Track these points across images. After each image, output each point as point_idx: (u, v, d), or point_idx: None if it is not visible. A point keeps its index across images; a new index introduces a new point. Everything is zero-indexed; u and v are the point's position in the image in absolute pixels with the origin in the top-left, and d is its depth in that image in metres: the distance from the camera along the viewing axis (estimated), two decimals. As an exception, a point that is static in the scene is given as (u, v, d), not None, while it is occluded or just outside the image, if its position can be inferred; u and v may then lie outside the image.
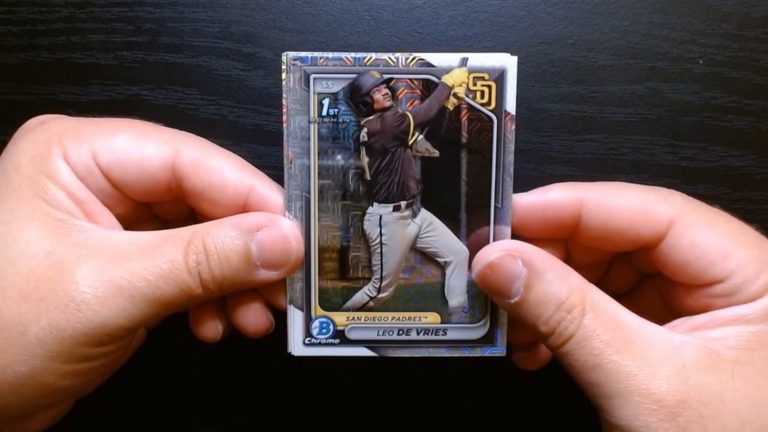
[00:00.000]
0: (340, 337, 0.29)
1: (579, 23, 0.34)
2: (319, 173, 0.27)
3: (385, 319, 0.29)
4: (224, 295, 0.29)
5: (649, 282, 0.31)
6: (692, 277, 0.26)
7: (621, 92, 0.34)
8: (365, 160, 0.27)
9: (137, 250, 0.25)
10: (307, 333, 0.28)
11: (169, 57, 0.34)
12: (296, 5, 0.34)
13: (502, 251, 0.26)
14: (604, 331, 0.24)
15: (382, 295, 0.28)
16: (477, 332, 0.29)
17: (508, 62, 0.27)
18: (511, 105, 0.27)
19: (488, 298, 0.28)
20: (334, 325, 0.29)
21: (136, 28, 0.34)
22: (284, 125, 0.27)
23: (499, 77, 0.27)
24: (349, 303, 0.28)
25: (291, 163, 0.27)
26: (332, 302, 0.28)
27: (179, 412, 0.36)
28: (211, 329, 0.30)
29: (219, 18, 0.34)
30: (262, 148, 0.34)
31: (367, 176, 0.28)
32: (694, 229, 0.26)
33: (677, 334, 0.25)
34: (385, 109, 0.27)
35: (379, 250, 0.28)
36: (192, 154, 0.27)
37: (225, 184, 0.27)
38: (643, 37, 0.34)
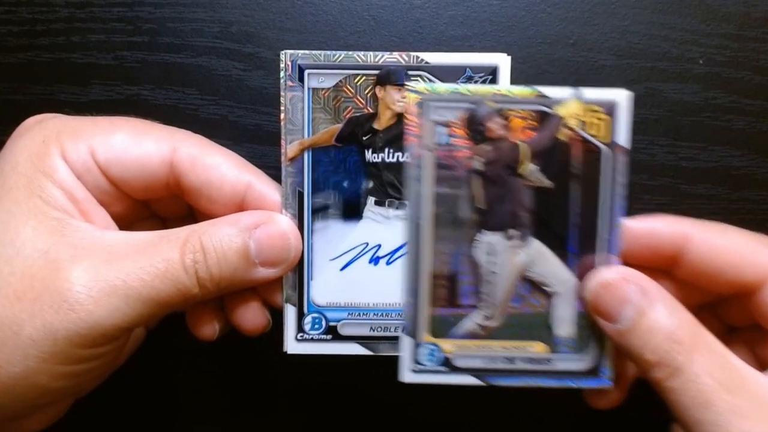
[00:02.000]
0: (448, 364, 0.29)
1: (579, 23, 0.34)
2: (432, 200, 0.27)
3: (492, 347, 0.28)
4: (221, 295, 0.29)
5: (736, 337, 0.30)
6: None
7: (621, 92, 0.34)
8: (477, 188, 0.28)
9: (133, 249, 0.25)
10: (415, 360, 0.28)
11: (169, 57, 0.34)
12: (296, 5, 0.34)
13: (617, 273, 0.27)
14: (714, 369, 0.24)
15: (490, 323, 0.28)
16: (583, 363, 0.29)
17: (621, 96, 0.27)
18: (623, 138, 0.27)
19: (595, 330, 0.28)
20: (442, 351, 0.28)
21: (136, 28, 0.34)
22: (281, 123, 0.27)
23: (612, 110, 0.27)
24: (457, 330, 0.28)
25: (289, 160, 0.27)
26: (441, 329, 0.28)
27: (178, 411, 0.36)
28: (208, 328, 0.30)
29: (219, 18, 0.34)
30: (262, 148, 0.34)
31: (479, 204, 0.28)
32: None
33: None
34: (499, 138, 0.27)
35: (489, 278, 0.28)
36: (190, 151, 0.27)
37: (222, 182, 0.27)
38: (643, 37, 0.34)
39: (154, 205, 0.31)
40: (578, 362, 0.28)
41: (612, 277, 0.26)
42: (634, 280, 0.26)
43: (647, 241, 0.28)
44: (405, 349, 0.28)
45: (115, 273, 0.24)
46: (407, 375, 0.29)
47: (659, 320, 0.25)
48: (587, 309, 0.28)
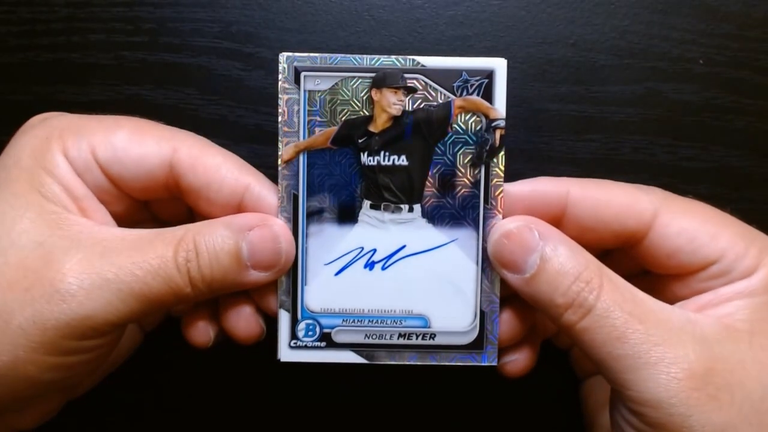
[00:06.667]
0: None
1: (579, 23, 0.34)
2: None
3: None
4: (215, 297, 0.28)
5: (633, 283, 0.31)
6: (684, 264, 0.27)
7: (621, 92, 0.34)
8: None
9: (128, 244, 0.25)
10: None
11: (169, 57, 0.34)
12: (296, 5, 0.34)
13: (520, 221, 0.26)
14: (624, 302, 0.24)
15: None
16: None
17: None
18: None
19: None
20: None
21: (136, 28, 0.34)
22: (279, 125, 0.27)
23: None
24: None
25: (284, 162, 0.27)
26: None
27: (170, 416, 0.36)
28: (203, 335, 0.29)
29: (219, 18, 0.34)
30: (262, 148, 0.34)
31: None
32: (679, 217, 0.27)
33: (689, 311, 0.26)
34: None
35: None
36: (190, 152, 0.27)
37: (221, 183, 0.27)
38: (643, 37, 0.34)
39: (154, 207, 0.31)
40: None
41: (515, 225, 0.26)
42: (535, 226, 0.26)
43: (530, 203, 0.28)
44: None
45: (108, 267, 0.24)
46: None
47: (565, 263, 0.25)
48: (491, 263, 0.27)
